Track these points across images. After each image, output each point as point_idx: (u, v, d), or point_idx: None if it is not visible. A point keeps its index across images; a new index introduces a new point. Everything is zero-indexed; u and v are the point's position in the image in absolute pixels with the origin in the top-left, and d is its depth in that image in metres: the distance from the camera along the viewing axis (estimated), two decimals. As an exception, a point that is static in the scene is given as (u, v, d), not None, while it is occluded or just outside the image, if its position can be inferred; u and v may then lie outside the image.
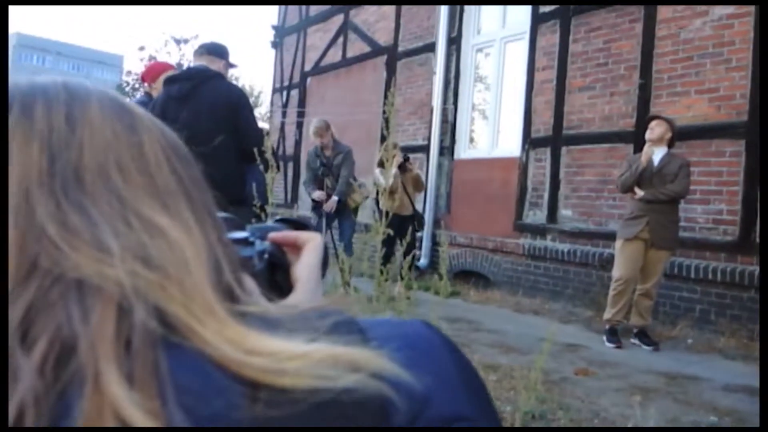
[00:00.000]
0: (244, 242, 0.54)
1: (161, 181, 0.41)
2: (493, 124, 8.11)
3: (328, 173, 6.87)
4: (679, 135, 5.61)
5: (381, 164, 6.74)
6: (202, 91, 3.16)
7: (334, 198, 6.73)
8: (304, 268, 0.56)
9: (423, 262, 8.48)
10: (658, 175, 5.00)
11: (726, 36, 5.62)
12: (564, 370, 4.06)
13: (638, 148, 5.69)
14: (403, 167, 6.66)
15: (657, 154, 5.07)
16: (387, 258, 6.79)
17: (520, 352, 4.53)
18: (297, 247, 0.58)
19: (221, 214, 0.52)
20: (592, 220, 6.61)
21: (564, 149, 6.95)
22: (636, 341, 5.15)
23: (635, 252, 5.02)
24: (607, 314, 5.15)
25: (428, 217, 8.46)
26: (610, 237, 5.69)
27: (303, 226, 0.64)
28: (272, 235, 0.57)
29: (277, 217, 0.66)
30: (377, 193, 6.85)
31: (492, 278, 7.66)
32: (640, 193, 5.02)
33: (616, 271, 5.09)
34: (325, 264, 0.63)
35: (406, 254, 7.05)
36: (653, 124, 5.09)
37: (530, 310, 6.49)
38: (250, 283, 0.47)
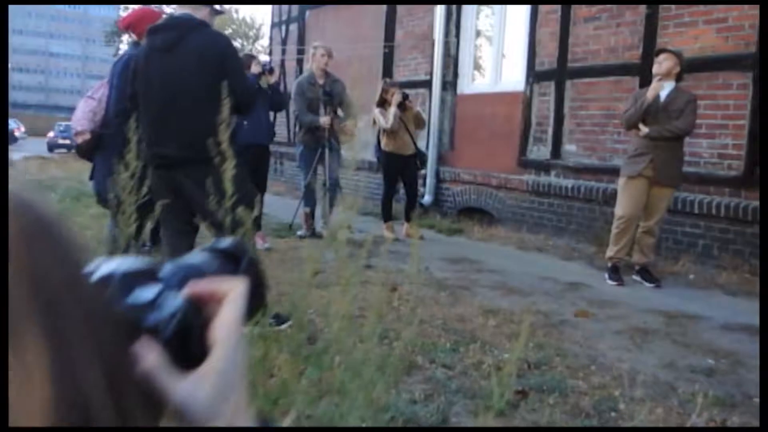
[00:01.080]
0: (151, 304, 0.48)
1: None
2: (497, 58, 7.93)
3: (329, 101, 6.46)
4: (686, 67, 5.48)
5: (380, 103, 6.65)
6: (188, 42, 3.07)
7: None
8: (222, 327, 0.47)
9: (427, 199, 8.47)
10: (664, 111, 4.90)
11: (737, -38, 5.39)
12: (564, 312, 4.10)
13: (644, 81, 5.57)
14: (402, 105, 6.55)
15: (664, 89, 4.95)
16: (389, 198, 6.80)
17: (521, 294, 4.56)
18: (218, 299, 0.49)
19: (128, 267, 0.47)
20: (596, 156, 6.54)
21: (569, 83, 6.81)
22: (638, 278, 5.17)
23: (639, 189, 4.98)
24: (610, 252, 5.16)
25: (432, 154, 8.40)
26: (614, 172, 5.62)
27: (235, 258, 0.56)
28: (185, 291, 0.51)
29: (207, 246, 0.57)
30: (378, 133, 6.78)
31: (496, 215, 7.66)
32: (644, 129, 4.93)
33: (619, 209, 5.06)
34: (257, 307, 0.57)
35: (409, 195, 7.12)
36: (661, 57, 4.95)
37: (534, 248, 6.50)
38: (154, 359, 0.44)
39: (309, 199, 6.55)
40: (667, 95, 4.93)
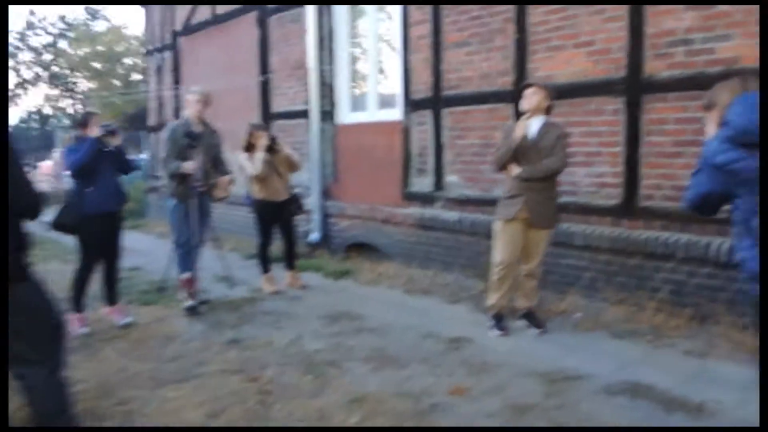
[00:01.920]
0: None
1: None
2: (374, 85, 7.54)
3: (198, 150, 5.69)
4: (559, 93, 5.25)
5: (247, 148, 6.13)
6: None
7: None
8: None
9: (315, 236, 8.00)
10: (535, 149, 4.62)
11: (599, -17, 5.19)
12: (438, 390, 3.70)
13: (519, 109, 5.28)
14: (271, 149, 6.04)
15: (534, 124, 4.67)
16: (265, 248, 6.28)
17: (397, 365, 4.14)
18: None
19: None
20: (478, 186, 6.24)
21: (445, 111, 6.49)
22: (523, 323, 4.88)
23: (515, 233, 4.67)
24: (491, 300, 4.84)
25: (315, 188, 7.94)
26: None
27: None
28: None
29: None
30: (249, 180, 6.24)
31: (385, 250, 7.27)
32: (516, 170, 4.64)
33: (497, 255, 4.75)
34: None
35: (287, 242, 6.61)
36: (529, 92, 4.67)
37: (421, 289, 6.13)
38: None
39: (186, 261, 5.65)
40: (537, 132, 4.65)
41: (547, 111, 4.69)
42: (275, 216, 6.28)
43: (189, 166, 5.40)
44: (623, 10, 5.04)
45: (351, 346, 4.55)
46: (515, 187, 4.66)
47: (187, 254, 5.64)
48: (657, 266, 4.98)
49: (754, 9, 4.39)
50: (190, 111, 5.65)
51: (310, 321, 5.27)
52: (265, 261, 6.34)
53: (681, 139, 4.80)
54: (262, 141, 6.00)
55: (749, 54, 4.42)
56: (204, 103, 5.62)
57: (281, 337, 4.79)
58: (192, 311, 5.49)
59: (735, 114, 2.17)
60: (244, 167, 6.12)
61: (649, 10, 4.90)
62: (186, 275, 5.64)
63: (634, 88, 5.02)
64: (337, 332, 4.91)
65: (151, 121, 12.38)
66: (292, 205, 6.38)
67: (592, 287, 5.38)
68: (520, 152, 4.61)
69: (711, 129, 2.38)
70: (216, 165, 5.72)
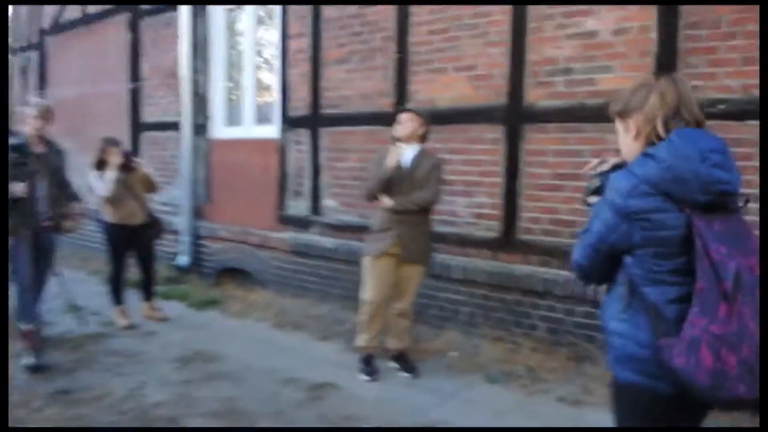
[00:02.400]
0: None
1: None
2: (251, 100, 7.02)
3: (39, 172, 4.91)
4: (439, 118, 4.97)
5: (98, 165, 5.45)
6: None
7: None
8: None
9: (183, 260, 7.36)
10: (409, 179, 4.28)
11: (483, 8, 4.95)
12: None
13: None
14: (125, 167, 5.41)
15: (408, 152, 4.34)
16: (117, 277, 5.62)
17: (246, 420, 3.66)
18: None
19: None
20: (356, 212, 5.85)
21: (323, 131, 6.08)
22: (394, 366, 4.51)
23: (385, 270, 4.31)
24: (360, 341, 4.45)
25: (186, 207, 7.30)
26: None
27: None
28: None
29: None
30: (100, 202, 5.54)
31: (258, 277, 6.75)
32: (387, 202, 4.28)
33: (366, 294, 4.36)
34: None
35: (145, 270, 5.95)
36: (403, 118, 4.33)
37: (292, 323, 5.66)
38: None
39: (27, 309, 4.58)
40: (411, 160, 4.31)
41: (422, 139, 4.37)
42: (131, 241, 5.62)
43: (16, 189, 4.51)
44: (505, 34, 4.81)
45: (198, 398, 4.01)
46: (386, 219, 4.30)
47: (29, 300, 4.62)
48: (534, 303, 4.76)
49: (635, 41, 4.26)
50: (27, 128, 4.77)
51: (160, 364, 4.68)
52: (117, 291, 5.67)
53: (560, 172, 4.60)
54: (115, 158, 5.35)
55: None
56: (44, 118, 4.78)
57: (120, 387, 4.18)
58: (34, 371, 4.43)
59: (671, 152, 1.67)
60: (93, 187, 5.43)
61: (531, 36, 4.69)
62: (26, 326, 4.58)
63: (514, 116, 4.79)
64: (186, 379, 4.35)
65: (16, 127, 11.22)
66: (151, 228, 5.75)
67: (470, 323, 5.10)
68: (393, 182, 4.26)
69: (625, 145, 1.87)
70: (62, 190, 4.89)
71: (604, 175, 1.97)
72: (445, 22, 5.14)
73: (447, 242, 5.19)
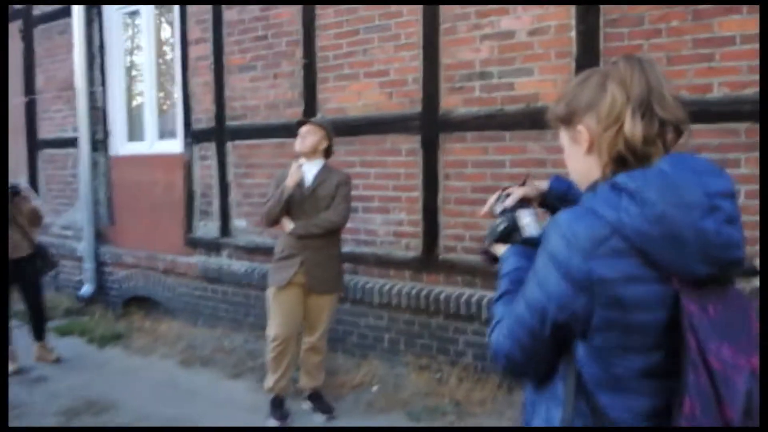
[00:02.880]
0: None
1: None
2: (153, 111, 6.44)
3: None
4: (351, 129, 4.55)
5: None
6: None
7: None
8: None
9: (87, 289, 6.73)
10: (312, 200, 3.84)
11: (393, 7, 4.54)
12: None
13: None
14: (15, 193, 4.80)
15: (310, 169, 3.89)
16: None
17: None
18: None
19: None
20: (269, 233, 5.34)
21: (230, 145, 5.57)
22: (308, 407, 4.06)
23: (292, 301, 3.85)
24: (268, 382, 3.96)
25: (87, 231, 6.66)
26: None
27: None
28: None
29: None
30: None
31: (167, 306, 6.17)
32: (289, 226, 3.82)
33: (271, 329, 3.89)
34: None
35: (33, 308, 5.25)
36: (303, 131, 3.88)
37: (201, 359, 5.13)
38: None
39: None
40: (314, 178, 3.87)
41: (327, 153, 3.94)
42: (15, 276, 4.99)
43: None
44: (417, 36, 4.42)
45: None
46: (289, 245, 3.84)
47: None
48: (460, 327, 4.37)
49: (553, 41, 3.93)
50: None
51: (43, 418, 4.12)
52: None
53: (481, 184, 4.23)
54: None
55: (550, 91, 3.94)
56: None
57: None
58: None
59: (664, 193, 1.07)
60: None
61: (444, 38, 4.31)
62: None
63: (430, 125, 4.41)
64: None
65: None
66: (38, 261, 5.12)
67: (393, 351, 4.68)
68: (294, 204, 3.81)
69: (575, 163, 1.28)
70: None
71: (510, 213, 1.51)
72: (353, 24, 4.71)
73: (366, 263, 4.77)
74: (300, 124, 3.91)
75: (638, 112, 1.13)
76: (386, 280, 4.70)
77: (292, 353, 3.93)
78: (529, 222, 1.50)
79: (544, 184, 1.64)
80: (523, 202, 1.54)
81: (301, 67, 4.99)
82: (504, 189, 1.61)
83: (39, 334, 5.24)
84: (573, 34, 3.85)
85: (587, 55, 3.79)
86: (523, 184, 1.61)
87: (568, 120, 1.24)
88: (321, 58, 4.90)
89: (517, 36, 4.06)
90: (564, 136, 1.28)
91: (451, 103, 4.33)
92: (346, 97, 4.78)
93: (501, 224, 1.50)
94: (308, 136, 3.83)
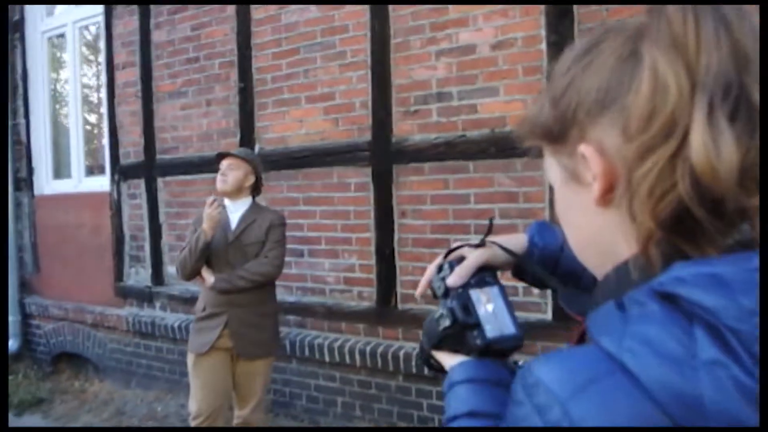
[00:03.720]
0: None
1: None
2: (79, 145, 5.77)
3: None
4: (293, 161, 3.96)
5: None
6: None
7: None
8: None
9: (12, 344, 5.96)
10: (237, 246, 3.20)
11: (337, 19, 3.98)
12: None
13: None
14: None
15: (235, 209, 3.26)
16: None
17: None
18: None
19: None
20: (206, 281, 4.69)
21: (160, 181, 4.92)
22: (242, 495, 3.37)
23: (216, 370, 3.19)
24: (191, 468, 3.28)
25: (12, 281, 5.93)
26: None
27: None
28: None
29: None
30: None
31: (98, 363, 5.45)
32: (209, 279, 3.18)
33: (192, 404, 3.22)
34: None
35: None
36: (224, 165, 3.26)
37: (129, 426, 4.42)
38: None
39: None
40: (239, 220, 3.24)
41: (255, 190, 3.32)
42: None
43: None
44: (365, 53, 3.84)
45: None
46: (212, 302, 3.19)
47: None
48: (423, 390, 3.74)
49: (521, 54, 3.38)
50: None
51: None
52: None
53: (441, 222, 3.64)
54: None
55: (518, 113, 3.38)
56: None
57: None
58: None
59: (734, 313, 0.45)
60: None
61: (395, 54, 3.74)
62: None
63: (382, 155, 3.81)
64: None
65: None
66: None
67: (347, 416, 4.02)
68: (217, 252, 3.17)
69: (575, 220, 0.63)
70: None
71: (459, 294, 0.82)
72: (293, 41, 4.13)
73: (314, 316, 4.14)
74: (220, 157, 3.28)
75: (722, 109, 0.48)
76: (337, 335, 4.06)
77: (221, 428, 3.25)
78: (491, 311, 0.82)
79: (518, 239, 0.93)
80: (483, 273, 0.87)
81: (237, 91, 4.39)
82: (451, 250, 0.92)
83: None
84: (543, 46, 3.31)
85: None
86: (482, 243, 0.90)
87: (560, 135, 0.60)
88: (258, 81, 4.30)
89: (478, 50, 3.50)
90: (552, 166, 0.64)
91: (405, 129, 3.74)
92: (287, 125, 4.18)
93: (444, 317, 0.82)
94: (230, 173, 3.20)
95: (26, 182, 5.98)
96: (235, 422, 3.35)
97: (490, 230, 0.91)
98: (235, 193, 3.21)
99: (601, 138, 0.55)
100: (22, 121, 5.95)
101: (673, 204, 0.49)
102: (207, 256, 3.16)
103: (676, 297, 0.47)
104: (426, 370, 3.50)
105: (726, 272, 0.47)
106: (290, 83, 4.16)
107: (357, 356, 3.90)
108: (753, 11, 0.52)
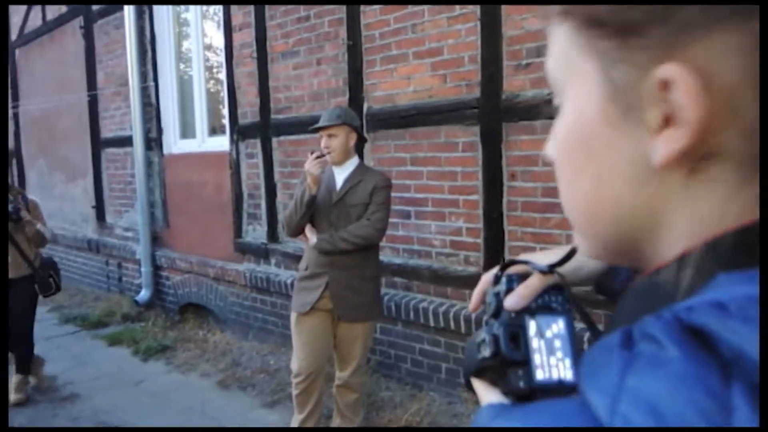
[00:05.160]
0: None
1: None
2: (203, 106, 5.98)
3: None
4: (400, 120, 3.86)
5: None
6: None
7: None
8: None
9: (144, 294, 6.39)
10: (340, 206, 3.16)
11: (446, -30, 3.78)
12: None
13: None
14: (14, 219, 4.29)
15: (341, 170, 3.22)
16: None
17: None
18: None
19: None
20: (317, 240, 4.74)
21: (275, 141, 4.99)
22: (342, 453, 3.41)
23: (317, 331, 3.20)
24: (294, 422, 3.34)
25: (143, 234, 6.32)
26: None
27: None
28: None
29: None
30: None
31: (220, 315, 5.72)
32: (312, 239, 3.17)
33: (294, 363, 3.27)
34: None
35: (19, 335, 4.26)
36: (324, 138, 3.20)
37: (240, 380, 4.61)
38: None
39: None
40: (345, 181, 3.19)
41: (360, 146, 3.25)
42: (12, 297, 4.42)
43: None
44: (474, 4, 3.62)
45: None
46: (314, 262, 3.19)
47: None
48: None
49: None
50: None
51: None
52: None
53: (553, 185, 3.38)
54: None
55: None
56: None
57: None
58: None
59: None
60: None
61: (506, 3, 3.50)
62: None
63: (491, 113, 3.61)
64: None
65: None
66: (36, 282, 4.49)
67: (451, 383, 3.94)
68: (320, 212, 3.15)
69: (609, 188, 0.43)
70: None
71: (509, 320, 0.61)
72: (401, -5, 3.98)
73: (420, 279, 4.06)
74: (316, 131, 3.23)
75: None
76: (443, 299, 3.96)
77: (320, 390, 3.29)
78: (547, 348, 0.65)
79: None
80: (550, 294, 0.68)
81: (345, 49, 4.32)
82: (510, 262, 0.71)
83: (21, 366, 4.59)
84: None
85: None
86: (551, 270, 0.65)
87: (636, 25, 0.38)
88: (366, 38, 4.20)
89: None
90: (576, 65, 0.43)
91: (517, 85, 3.51)
92: (395, 82, 4.07)
93: (486, 345, 0.66)
94: (331, 142, 3.14)
95: (156, 142, 6.30)
96: (336, 383, 3.37)
97: (568, 258, 0.70)
98: (341, 155, 3.16)
99: (712, 61, 0.35)
100: (151, 84, 6.25)
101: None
102: (311, 214, 3.14)
103: (710, 335, 0.31)
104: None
105: None
106: (398, 39, 4.03)
107: (462, 323, 3.79)
108: None
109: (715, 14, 0.35)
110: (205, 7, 5.88)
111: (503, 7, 3.49)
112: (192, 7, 5.87)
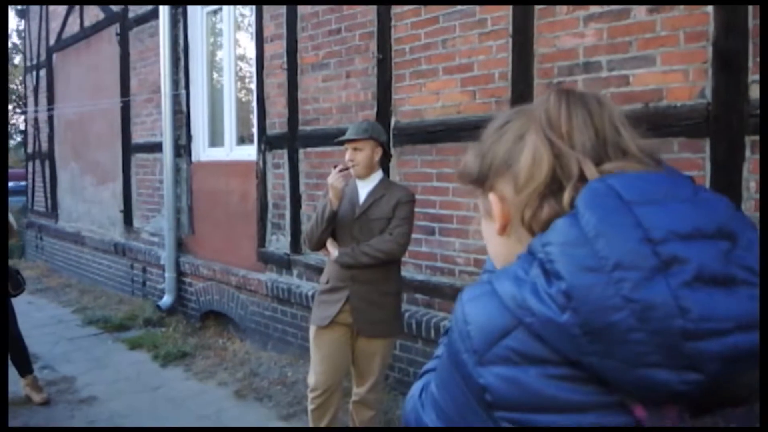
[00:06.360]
0: None
1: None
2: (232, 115, 6.02)
3: None
4: (428, 136, 3.83)
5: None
6: None
7: None
8: None
9: (166, 300, 6.43)
10: (363, 220, 3.14)
11: (479, -14, 3.75)
12: None
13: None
14: None
15: (364, 184, 3.20)
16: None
17: None
18: None
19: None
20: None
21: (302, 152, 4.99)
22: (357, 471, 3.35)
23: (335, 345, 3.17)
24: (309, 437, 3.31)
25: (169, 240, 6.37)
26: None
27: None
28: None
29: None
30: None
31: (240, 324, 5.72)
32: (333, 252, 3.14)
33: (311, 377, 3.23)
34: None
35: (11, 340, 4.22)
36: (348, 152, 3.19)
37: (257, 390, 4.58)
38: None
39: None
40: (368, 194, 3.17)
41: (385, 161, 3.23)
42: None
43: None
44: (506, 21, 3.60)
45: None
46: (335, 276, 3.16)
47: None
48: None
49: (683, 18, 2.98)
50: None
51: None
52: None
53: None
54: None
55: (678, 85, 3.00)
56: None
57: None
58: None
59: (559, 246, 0.64)
60: None
61: (539, 22, 3.46)
62: None
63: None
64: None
65: (29, 148, 10.73)
66: (9, 282, 4.36)
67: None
68: (343, 225, 3.13)
69: (493, 251, 0.84)
70: None
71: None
72: (432, 10, 3.97)
73: (442, 297, 4.01)
74: (342, 143, 3.22)
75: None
76: (465, 316, 3.90)
77: (336, 406, 3.24)
78: None
79: None
80: None
81: (375, 63, 4.31)
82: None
83: (22, 367, 4.54)
84: (710, 8, 2.89)
85: (731, 38, 2.81)
86: None
87: (480, 182, 0.82)
88: (396, 52, 4.19)
89: (633, 14, 3.14)
90: (479, 203, 0.85)
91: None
92: (424, 97, 4.05)
93: None
94: (356, 156, 3.13)
95: (185, 149, 6.35)
96: (353, 399, 3.33)
97: None
98: (365, 170, 3.14)
99: (502, 189, 0.77)
100: (182, 91, 6.31)
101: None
102: (333, 228, 3.12)
103: (530, 245, 0.69)
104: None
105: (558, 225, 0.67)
106: (428, 54, 4.01)
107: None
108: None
109: (498, 171, 0.79)
110: (238, 18, 5.94)
111: (535, 24, 3.46)
112: (225, 18, 5.93)
